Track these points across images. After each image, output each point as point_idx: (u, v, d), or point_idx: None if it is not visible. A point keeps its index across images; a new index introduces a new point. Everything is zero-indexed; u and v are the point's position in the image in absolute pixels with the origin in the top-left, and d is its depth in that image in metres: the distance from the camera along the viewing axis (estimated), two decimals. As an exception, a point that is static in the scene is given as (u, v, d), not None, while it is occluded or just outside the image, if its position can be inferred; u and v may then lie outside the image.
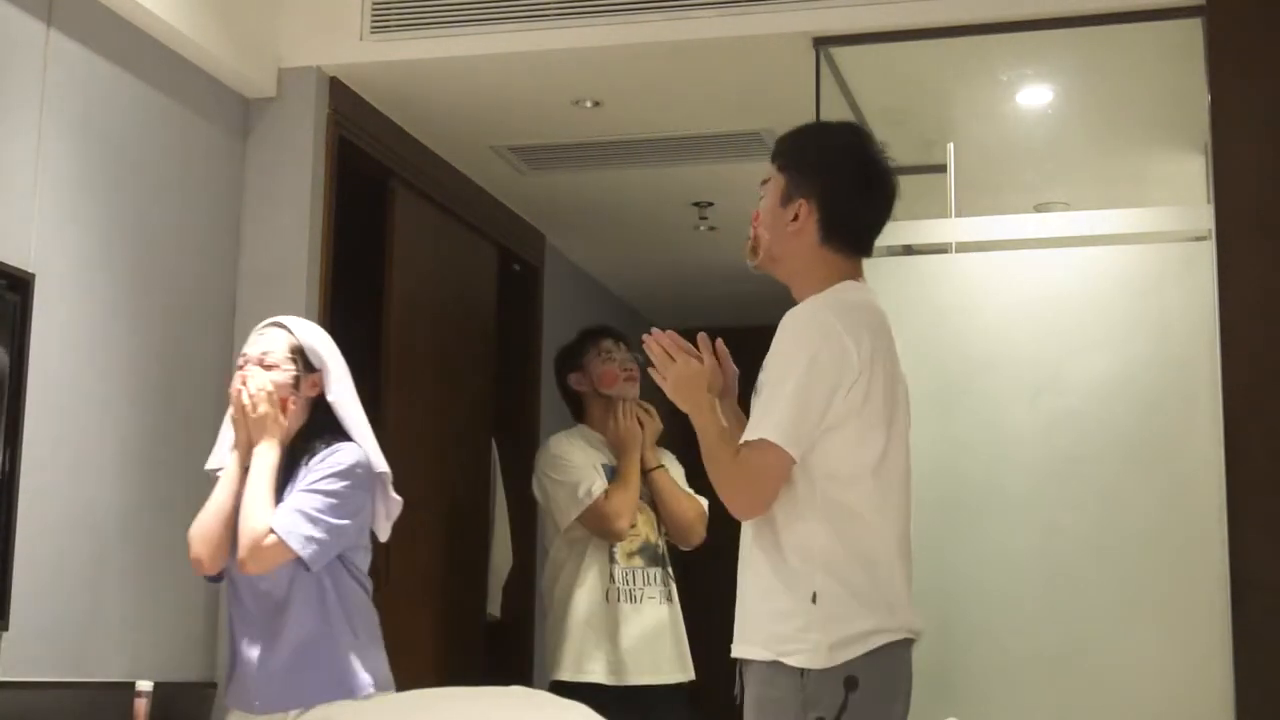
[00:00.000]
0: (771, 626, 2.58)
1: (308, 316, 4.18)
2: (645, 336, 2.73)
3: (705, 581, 4.23)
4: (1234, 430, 3.62)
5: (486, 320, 5.56)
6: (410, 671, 4.80)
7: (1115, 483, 3.78)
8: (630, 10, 4.09)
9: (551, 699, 2.24)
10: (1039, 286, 3.94)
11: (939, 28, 4.00)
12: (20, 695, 3.29)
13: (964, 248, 4.10)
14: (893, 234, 4.41)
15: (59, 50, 3.51)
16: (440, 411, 5.12)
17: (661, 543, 4.29)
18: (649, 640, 4.13)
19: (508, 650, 5.60)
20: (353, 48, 4.26)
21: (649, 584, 4.18)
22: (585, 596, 4.16)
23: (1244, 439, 3.61)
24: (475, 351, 5.46)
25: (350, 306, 4.66)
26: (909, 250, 4.31)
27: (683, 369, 2.68)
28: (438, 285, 5.14)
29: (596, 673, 4.09)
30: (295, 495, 3.14)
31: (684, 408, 2.68)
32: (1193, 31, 3.84)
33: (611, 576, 4.17)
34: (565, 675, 4.10)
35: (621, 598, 4.15)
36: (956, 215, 4.16)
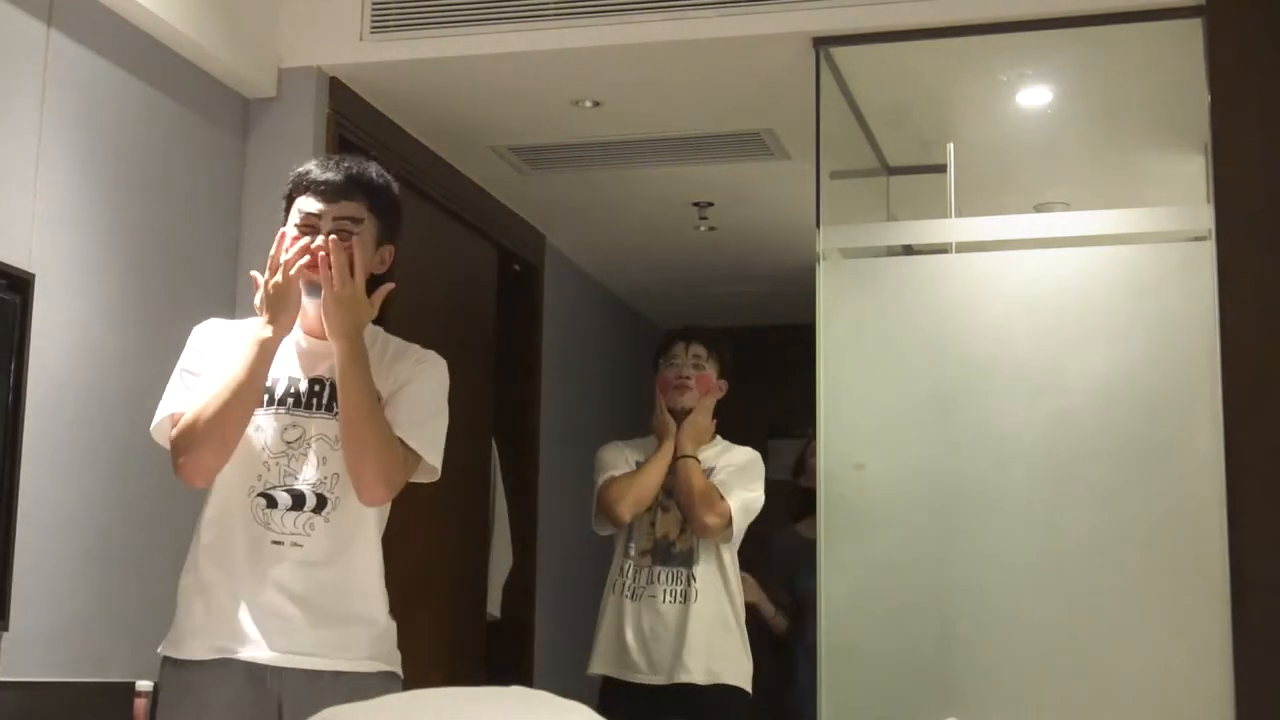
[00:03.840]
0: None
1: (308, 316, 4.19)
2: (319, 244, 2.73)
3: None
4: (1234, 430, 3.62)
5: (486, 320, 5.56)
6: (410, 671, 4.80)
7: (1115, 483, 3.78)
8: (630, 10, 4.09)
9: (551, 699, 2.23)
10: (1039, 286, 3.94)
11: (939, 28, 4.00)
12: (20, 695, 3.29)
13: (964, 248, 4.10)
14: (893, 234, 4.44)
15: (59, 50, 3.51)
16: (440, 411, 5.12)
17: (689, 542, 4.09)
18: (646, 640, 4.04)
19: (508, 650, 5.60)
20: (353, 48, 4.26)
21: (654, 582, 4.05)
22: (608, 593, 4.14)
23: (1244, 439, 3.61)
24: (475, 352, 5.46)
25: (350, 306, 4.66)
26: (909, 250, 4.31)
27: (359, 292, 2.73)
28: (438, 285, 5.14)
29: (602, 666, 4.09)
30: None
31: (344, 332, 2.69)
32: (1193, 31, 3.84)
33: (622, 571, 4.10)
34: (590, 669, 4.12)
35: (626, 593, 4.08)
36: (956, 215, 4.16)
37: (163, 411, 2.78)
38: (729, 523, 4.02)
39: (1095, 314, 3.88)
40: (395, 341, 2.90)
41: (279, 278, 2.71)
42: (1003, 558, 3.81)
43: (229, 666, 2.68)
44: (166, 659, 2.79)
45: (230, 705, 2.66)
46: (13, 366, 3.30)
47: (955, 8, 3.95)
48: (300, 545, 2.71)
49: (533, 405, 5.87)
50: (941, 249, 4.17)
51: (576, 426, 6.36)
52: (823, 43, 4.05)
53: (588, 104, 4.60)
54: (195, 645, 2.72)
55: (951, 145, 4.25)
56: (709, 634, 4.03)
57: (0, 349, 3.28)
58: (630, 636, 4.04)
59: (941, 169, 4.24)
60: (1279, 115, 3.74)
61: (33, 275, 3.37)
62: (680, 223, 5.83)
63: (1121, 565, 3.74)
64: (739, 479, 4.10)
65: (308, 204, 2.79)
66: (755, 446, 4.26)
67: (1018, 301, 3.94)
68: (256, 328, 2.73)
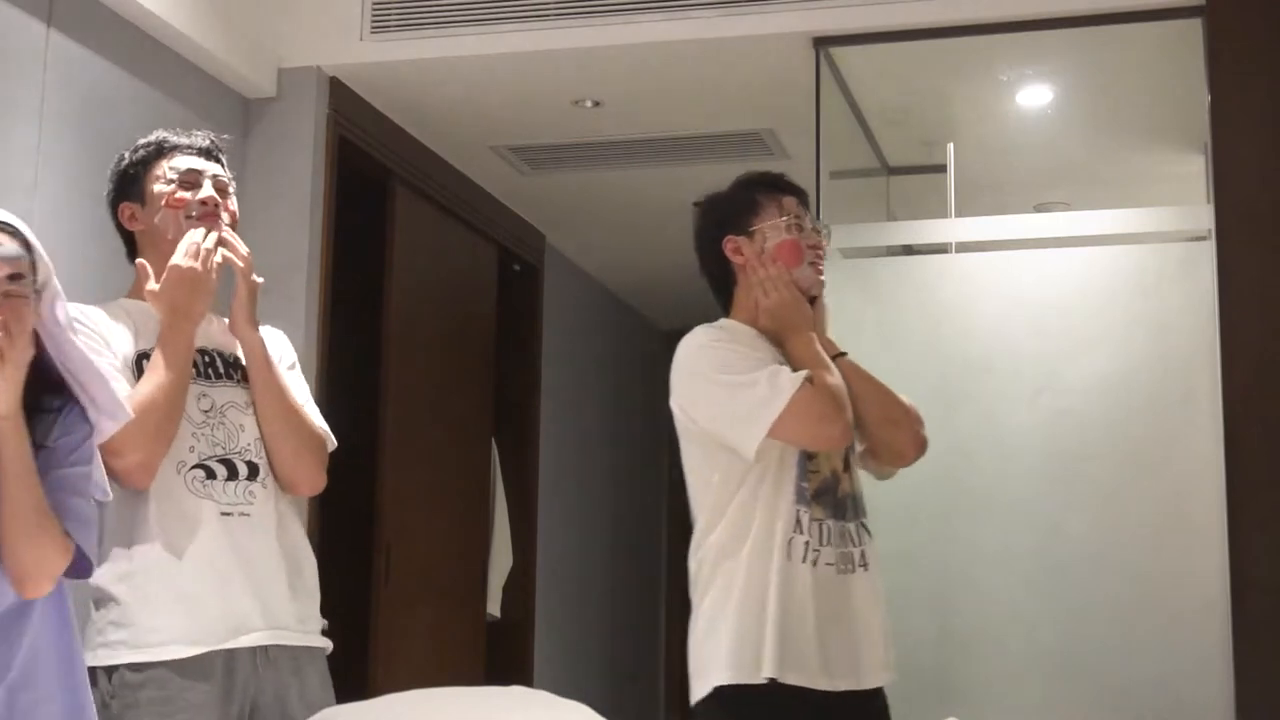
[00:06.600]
0: None
1: (307, 317, 4.18)
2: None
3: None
4: (1234, 430, 3.62)
5: (486, 320, 5.56)
6: (411, 671, 4.81)
7: (1115, 483, 3.78)
8: (630, 10, 4.09)
9: (551, 699, 2.21)
10: (1039, 286, 3.94)
11: (939, 28, 4.00)
12: (20, 695, 3.28)
13: (964, 248, 4.10)
14: (893, 234, 4.44)
15: (59, 50, 3.51)
16: (440, 411, 5.12)
17: (852, 485, 2.83)
18: (833, 627, 2.68)
19: (508, 650, 5.61)
20: (353, 48, 4.26)
21: (829, 543, 2.70)
22: (768, 556, 2.67)
23: (1244, 439, 3.62)
24: (475, 351, 5.46)
25: (350, 306, 4.66)
26: (909, 250, 4.31)
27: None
28: (438, 285, 5.14)
29: (779, 667, 2.62)
30: None
31: (256, 324, 2.72)
32: (1193, 31, 3.84)
33: (798, 524, 2.68)
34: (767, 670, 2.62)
35: (807, 559, 2.67)
36: (956, 215, 4.16)
37: None
38: None
39: (1095, 314, 3.88)
40: None
41: (197, 265, 2.67)
42: (1003, 557, 3.81)
43: (209, 660, 2.49)
44: (117, 667, 2.48)
45: (211, 704, 2.47)
46: (13, 366, 3.29)
47: (955, 8, 3.95)
48: (248, 515, 2.57)
49: (533, 405, 5.87)
50: (941, 249, 4.17)
51: (576, 427, 6.36)
52: (823, 43, 4.05)
53: (588, 104, 4.60)
54: (169, 643, 2.48)
55: (951, 145, 4.25)
56: (886, 614, 2.80)
57: None
58: (817, 623, 2.66)
59: (941, 169, 4.25)
60: (1279, 115, 3.74)
61: (33, 275, 3.37)
62: (680, 223, 5.82)
63: (1121, 565, 3.75)
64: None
65: (187, 161, 2.73)
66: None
67: (1018, 301, 3.94)
68: (163, 316, 2.66)
